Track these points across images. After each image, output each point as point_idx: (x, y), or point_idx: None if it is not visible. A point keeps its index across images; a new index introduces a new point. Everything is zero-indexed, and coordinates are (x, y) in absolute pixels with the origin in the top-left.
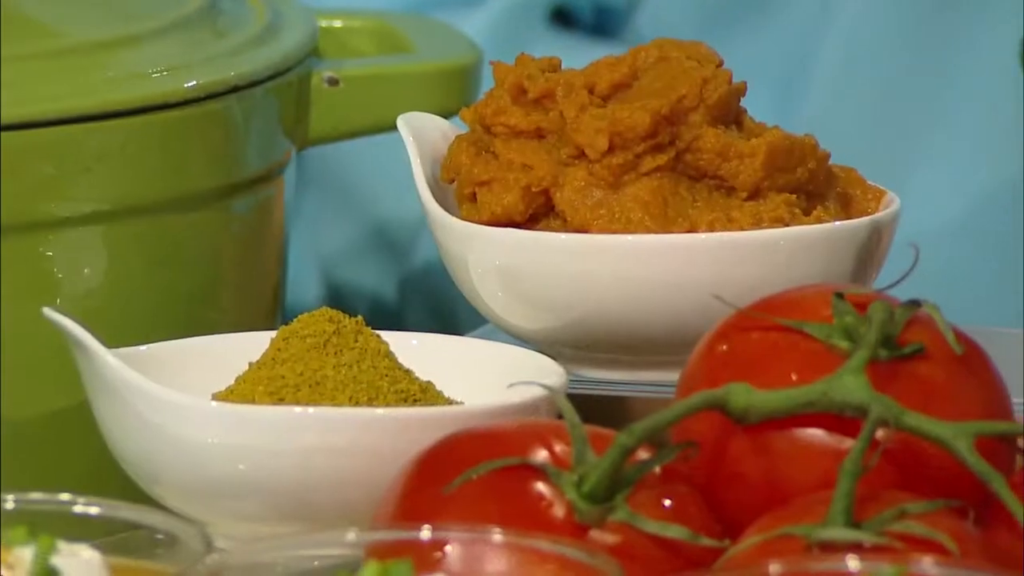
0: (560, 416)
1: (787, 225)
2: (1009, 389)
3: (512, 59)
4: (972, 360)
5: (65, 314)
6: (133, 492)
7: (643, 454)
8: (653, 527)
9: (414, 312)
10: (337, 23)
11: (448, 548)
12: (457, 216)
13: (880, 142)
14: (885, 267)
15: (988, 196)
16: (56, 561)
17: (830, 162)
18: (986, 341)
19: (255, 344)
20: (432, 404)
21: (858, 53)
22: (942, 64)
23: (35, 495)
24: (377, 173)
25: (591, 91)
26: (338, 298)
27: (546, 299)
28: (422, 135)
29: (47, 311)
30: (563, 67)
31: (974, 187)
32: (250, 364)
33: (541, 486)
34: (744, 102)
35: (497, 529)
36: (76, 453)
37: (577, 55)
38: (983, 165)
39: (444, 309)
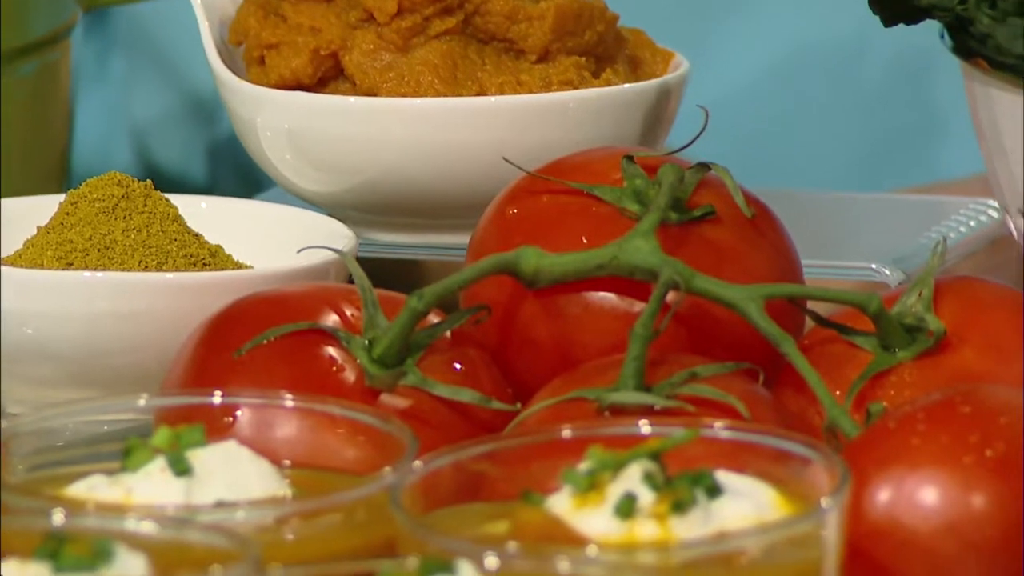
0: (350, 280)
1: (576, 88)
2: (800, 251)
3: None
4: (762, 223)
5: None
6: None
7: (434, 318)
8: (444, 391)
9: (224, 176)
10: None
11: (239, 413)
12: (246, 79)
13: (678, 7)
14: (684, 130)
15: (787, 58)
16: None
17: (619, 25)
18: (778, 203)
19: (43, 208)
20: (222, 268)
21: None
22: None
23: None
24: (187, 36)
25: None
26: (148, 163)
27: (335, 162)
28: None
29: None
30: None
31: (774, 49)
32: (38, 228)
33: (332, 350)
34: None
35: (288, 394)
36: None
37: None
38: (782, 26)
39: (254, 173)
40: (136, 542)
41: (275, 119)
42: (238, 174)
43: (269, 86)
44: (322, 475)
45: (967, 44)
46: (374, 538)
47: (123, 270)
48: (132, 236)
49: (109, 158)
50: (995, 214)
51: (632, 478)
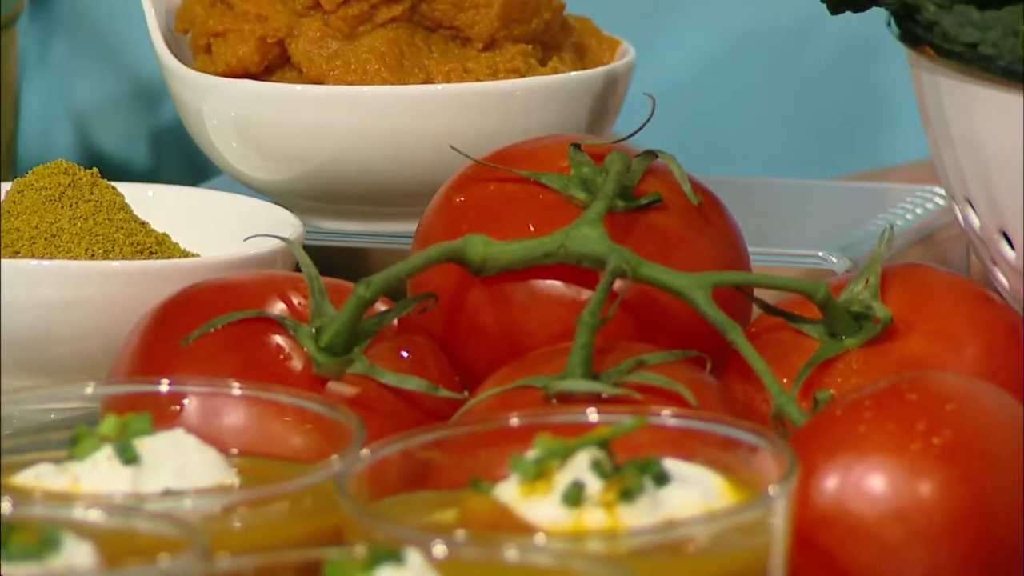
0: (297, 268)
1: (523, 76)
2: (747, 239)
3: None
4: (709, 211)
5: None
6: None
7: (381, 306)
8: (391, 379)
9: (168, 164)
10: None
11: (186, 401)
12: (193, 67)
13: None
14: (631, 118)
15: (734, 45)
16: None
17: (566, 12)
18: (725, 190)
19: None
20: (168, 256)
21: None
22: None
23: None
24: (129, 21)
25: None
26: (90, 149)
27: (282, 150)
28: None
29: None
30: None
31: (721, 36)
32: None
33: (279, 339)
34: None
35: (235, 382)
36: None
37: None
38: (729, 13)
39: (199, 161)
40: (84, 530)
41: (221, 107)
42: (183, 162)
43: (216, 74)
44: (269, 463)
45: (914, 32)
46: (322, 526)
47: (70, 258)
48: (79, 224)
49: (50, 144)
50: (942, 201)
51: (580, 466)
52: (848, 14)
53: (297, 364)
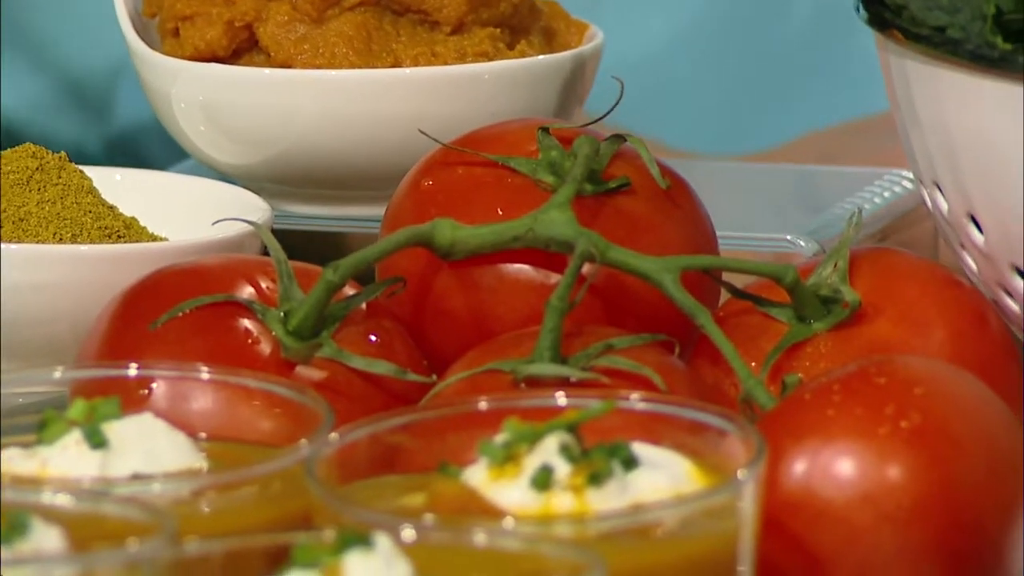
0: (266, 252)
1: (491, 59)
2: (715, 222)
3: None
4: (677, 194)
5: None
6: None
7: (349, 290)
8: (359, 363)
9: (120, 162)
10: None
11: (155, 385)
12: (160, 51)
13: None
14: (599, 99)
15: (695, 22)
16: None
17: None
18: (693, 173)
19: None
20: (136, 240)
21: None
22: None
23: None
24: (64, 17)
25: None
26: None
27: (250, 134)
28: None
29: None
30: None
31: (688, 14)
32: None
33: (247, 323)
34: None
35: (203, 366)
36: None
37: None
38: None
39: (140, 155)
40: (52, 515)
41: (189, 91)
42: (127, 158)
43: (183, 58)
44: (238, 447)
45: (882, 15)
46: (290, 510)
47: (38, 242)
48: (47, 208)
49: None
50: (910, 185)
51: (548, 450)
52: None
53: (265, 348)
